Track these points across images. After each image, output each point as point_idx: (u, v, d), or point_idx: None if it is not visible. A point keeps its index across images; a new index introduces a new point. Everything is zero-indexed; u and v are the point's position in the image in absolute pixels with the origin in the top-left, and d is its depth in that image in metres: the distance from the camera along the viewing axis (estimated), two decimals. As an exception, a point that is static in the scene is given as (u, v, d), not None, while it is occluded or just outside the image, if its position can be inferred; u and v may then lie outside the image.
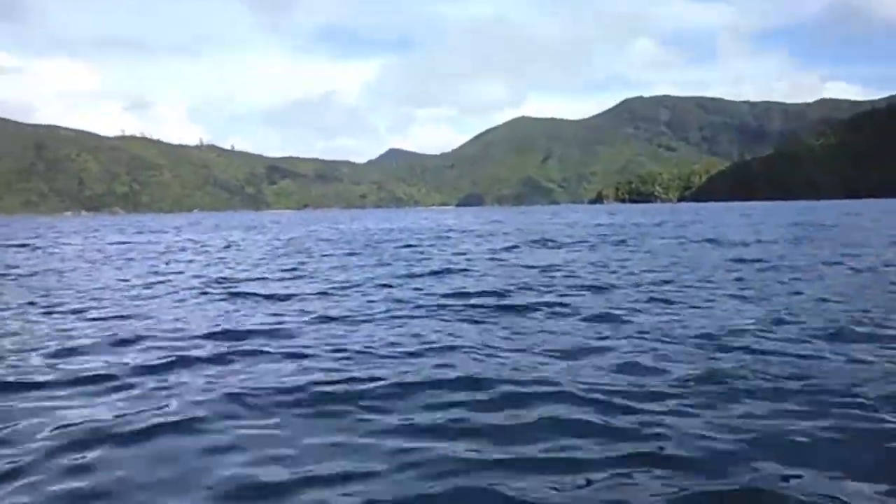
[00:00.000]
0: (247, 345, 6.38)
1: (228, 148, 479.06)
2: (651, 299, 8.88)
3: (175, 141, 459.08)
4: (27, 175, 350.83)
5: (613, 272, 12.55)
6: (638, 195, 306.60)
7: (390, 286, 11.00)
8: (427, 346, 6.19)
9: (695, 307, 8.19)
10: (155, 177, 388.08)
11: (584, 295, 9.50)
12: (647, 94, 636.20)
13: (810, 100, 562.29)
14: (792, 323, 6.95)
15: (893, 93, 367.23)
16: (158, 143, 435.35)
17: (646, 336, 6.44)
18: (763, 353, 5.66)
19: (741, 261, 13.99)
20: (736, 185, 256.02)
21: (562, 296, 9.40)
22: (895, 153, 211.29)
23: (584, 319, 7.49)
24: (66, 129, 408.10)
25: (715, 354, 5.67)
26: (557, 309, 8.23)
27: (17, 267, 16.72)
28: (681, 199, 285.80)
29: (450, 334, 6.77)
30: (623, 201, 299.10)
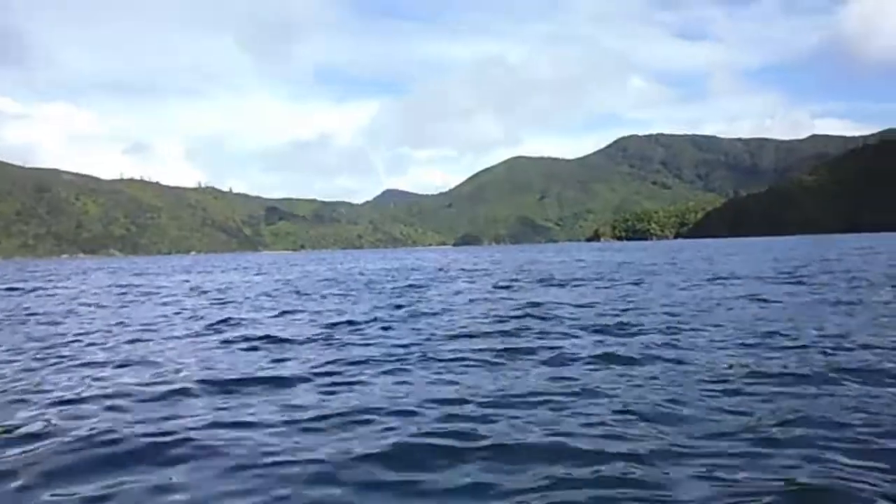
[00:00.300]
0: (242, 395, 6.08)
1: (226, 190, 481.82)
2: (666, 344, 8.59)
3: (173, 183, 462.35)
4: (26, 218, 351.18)
5: (603, 314, 12.30)
6: (634, 233, 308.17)
7: (390, 327, 10.73)
8: (435, 402, 5.87)
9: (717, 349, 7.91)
10: (153, 219, 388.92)
11: (580, 336, 9.23)
12: (641, 132, 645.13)
13: (802, 136, 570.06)
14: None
15: (883, 128, 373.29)
16: (157, 185, 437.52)
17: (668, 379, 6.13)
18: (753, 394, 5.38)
19: (750, 298, 13.75)
20: (732, 221, 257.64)
21: (562, 336, 9.14)
22: (887, 187, 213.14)
23: (587, 362, 7.21)
24: (66, 172, 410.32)
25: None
26: (564, 351, 7.95)
27: (10, 310, 16.40)
28: (677, 236, 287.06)
29: (457, 384, 6.47)
30: (620, 239, 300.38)
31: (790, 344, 7.96)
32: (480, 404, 5.52)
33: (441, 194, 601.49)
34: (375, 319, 11.97)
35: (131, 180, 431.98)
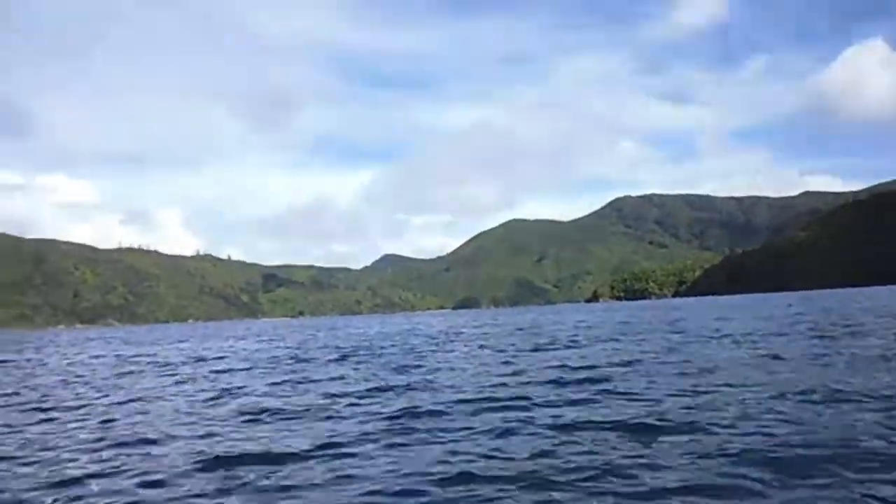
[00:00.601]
0: (238, 476, 5.97)
1: (225, 257, 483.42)
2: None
3: (172, 251, 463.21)
4: (22, 289, 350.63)
5: (607, 377, 12.19)
6: (633, 292, 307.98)
7: (393, 395, 10.62)
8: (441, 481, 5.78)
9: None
10: (151, 287, 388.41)
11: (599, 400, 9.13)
12: (635, 192, 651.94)
13: (794, 192, 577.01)
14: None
15: (871, 183, 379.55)
16: (155, 253, 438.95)
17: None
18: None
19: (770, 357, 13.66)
20: (729, 278, 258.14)
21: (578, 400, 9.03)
22: (880, 241, 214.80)
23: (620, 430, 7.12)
24: (65, 242, 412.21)
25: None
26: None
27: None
28: (676, 295, 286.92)
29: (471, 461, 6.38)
30: (619, 299, 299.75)
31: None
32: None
33: (439, 258, 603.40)
34: (376, 389, 11.86)
35: (129, 249, 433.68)
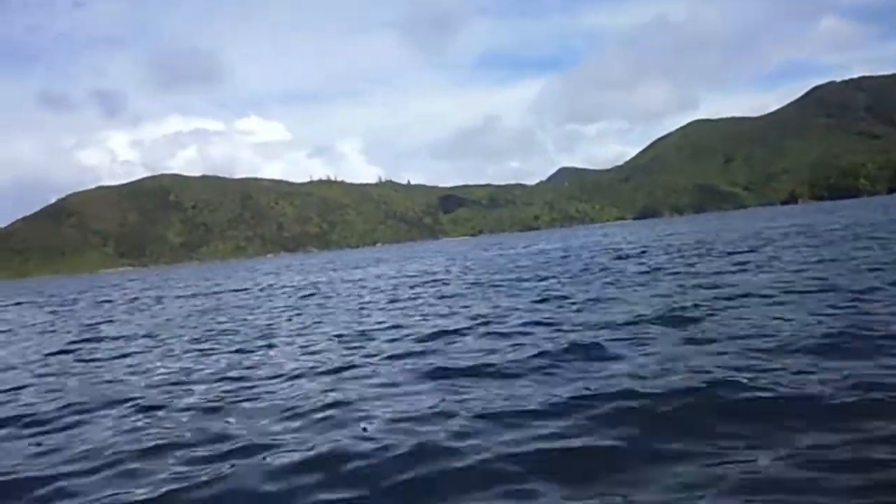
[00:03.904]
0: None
1: (404, 182, 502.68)
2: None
3: (356, 181, 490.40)
4: (236, 223, 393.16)
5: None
6: (838, 190, 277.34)
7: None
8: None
9: None
10: (342, 216, 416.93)
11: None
12: (839, 77, 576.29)
13: None
14: None
15: None
16: (342, 184, 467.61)
17: None
18: None
19: None
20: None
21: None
22: None
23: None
24: (264, 179, 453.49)
25: None
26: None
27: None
28: (891, 191, 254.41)
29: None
30: (821, 199, 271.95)
31: None
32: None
33: (616, 168, 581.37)
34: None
35: (320, 181, 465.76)
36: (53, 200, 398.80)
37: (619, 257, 24.96)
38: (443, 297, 15.94)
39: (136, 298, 30.58)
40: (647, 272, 16.94)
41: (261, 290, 27.81)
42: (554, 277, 18.39)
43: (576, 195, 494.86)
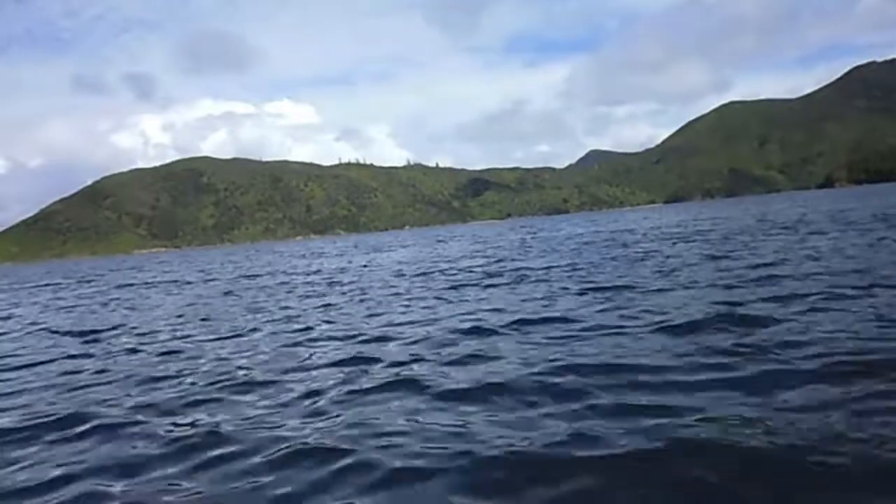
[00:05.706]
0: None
1: (432, 165, 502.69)
2: None
3: (384, 163, 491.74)
4: (265, 206, 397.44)
5: None
6: (877, 174, 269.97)
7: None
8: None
9: None
10: (370, 199, 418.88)
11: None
12: (880, 57, 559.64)
13: None
14: None
15: None
16: (371, 167, 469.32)
17: None
18: None
19: None
20: None
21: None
22: None
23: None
24: (294, 162, 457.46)
25: None
26: None
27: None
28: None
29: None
30: (859, 182, 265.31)
31: None
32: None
33: (646, 151, 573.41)
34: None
35: (349, 164, 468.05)
36: (90, 182, 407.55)
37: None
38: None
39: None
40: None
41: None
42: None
43: (605, 178, 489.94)
